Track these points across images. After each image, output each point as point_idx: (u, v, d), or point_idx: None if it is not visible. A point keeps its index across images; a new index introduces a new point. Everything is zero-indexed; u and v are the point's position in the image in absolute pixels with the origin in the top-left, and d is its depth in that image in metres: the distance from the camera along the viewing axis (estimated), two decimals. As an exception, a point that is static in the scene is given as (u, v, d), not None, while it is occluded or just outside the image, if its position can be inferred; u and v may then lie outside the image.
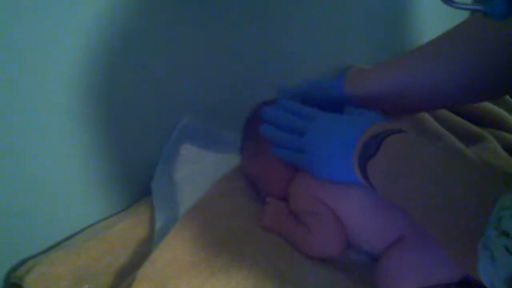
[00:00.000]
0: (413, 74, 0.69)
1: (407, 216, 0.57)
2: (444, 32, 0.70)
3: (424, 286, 0.56)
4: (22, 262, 0.67)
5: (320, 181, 0.64)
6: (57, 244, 0.71)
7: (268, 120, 0.70)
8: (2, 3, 0.55)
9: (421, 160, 0.50)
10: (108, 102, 0.71)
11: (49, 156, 0.67)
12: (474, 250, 0.39)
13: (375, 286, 0.59)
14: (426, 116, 0.94)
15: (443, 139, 0.86)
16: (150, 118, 0.79)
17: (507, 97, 1.06)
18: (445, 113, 0.96)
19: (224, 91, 0.90)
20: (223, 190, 0.74)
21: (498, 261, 0.36)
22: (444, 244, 0.47)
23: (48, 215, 0.70)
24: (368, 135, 0.57)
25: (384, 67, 0.73)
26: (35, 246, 0.70)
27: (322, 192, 0.65)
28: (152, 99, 0.78)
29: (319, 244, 0.63)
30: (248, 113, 0.77)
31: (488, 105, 0.98)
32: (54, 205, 0.70)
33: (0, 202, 0.63)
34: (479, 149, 0.84)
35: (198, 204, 0.70)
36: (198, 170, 0.79)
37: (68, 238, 0.72)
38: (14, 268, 0.67)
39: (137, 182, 0.80)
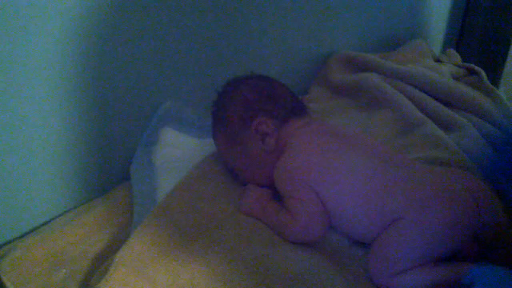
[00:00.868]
0: None
1: (402, 197, 0.58)
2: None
3: (418, 264, 0.57)
4: (-2, 247, 0.66)
5: (308, 164, 0.64)
6: (34, 230, 0.70)
7: None
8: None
9: None
10: (87, 86, 0.70)
11: (25, 141, 0.66)
12: None
13: (369, 267, 0.59)
14: (404, 101, 0.94)
15: (422, 127, 0.86)
16: (129, 101, 0.78)
17: (488, 84, 1.07)
18: (422, 96, 0.96)
19: (206, 74, 0.88)
20: (203, 173, 0.73)
21: None
22: None
23: (24, 200, 0.69)
24: None
25: None
26: (10, 232, 0.68)
27: (310, 176, 0.64)
28: (132, 83, 0.77)
29: (302, 229, 0.63)
30: (221, 88, 0.73)
31: (466, 89, 0.99)
32: (30, 189, 0.69)
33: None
34: (458, 137, 0.85)
35: (177, 188, 0.70)
36: (178, 154, 0.78)
37: (44, 224, 0.71)
38: (-11, 253, 0.66)
39: (116, 166, 0.79)
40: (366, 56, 1.12)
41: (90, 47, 0.68)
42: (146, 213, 0.66)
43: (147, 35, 0.76)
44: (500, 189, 0.67)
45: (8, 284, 0.60)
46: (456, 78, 1.13)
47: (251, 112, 0.69)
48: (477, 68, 1.14)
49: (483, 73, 1.11)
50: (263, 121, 0.69)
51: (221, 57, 0.90)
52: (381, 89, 0.98)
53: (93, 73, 0.70)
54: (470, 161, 0.76)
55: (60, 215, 0.73)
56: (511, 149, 0.77)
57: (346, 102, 1.03)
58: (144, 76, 0.78)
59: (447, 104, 0.97)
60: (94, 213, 0.71)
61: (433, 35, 1.48)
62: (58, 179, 0.72)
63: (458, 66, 1.18)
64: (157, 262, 0.58)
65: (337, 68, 1.11)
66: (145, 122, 0.81)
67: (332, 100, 1.05)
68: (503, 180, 0.68)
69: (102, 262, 0.63)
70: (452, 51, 1.30)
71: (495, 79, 1.45)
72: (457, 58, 1.26)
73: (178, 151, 0.79)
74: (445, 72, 1.10)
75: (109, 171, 0.79)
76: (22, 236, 0.69)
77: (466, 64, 1.18)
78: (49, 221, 0.72)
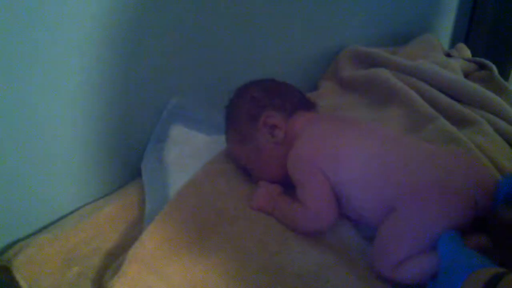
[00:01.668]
0: None
1: (397, 186, 0.59)
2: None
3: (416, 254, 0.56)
4: (11, 245, 0.66)
5: (317, 147, 0.66)
6: (46, 227, 0.70)
7: None
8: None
9: None
10: (97, 84, 0.70)
11: (46, 141, 0.67)
12: None
13: (372, 263, 0.59)
14: (415, 97, 0.93)
15: (435, 123, 0.85)
16: (140, 98, 0.78)
17: (500, 79, 1.05)
18: (434, 92, 0.95)
19: (215, 71, 0.88)
20: (214, 171, 0.73)
21: None
22: None
23: (37, 197, 0.69)
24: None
25: None
26: (23, 229, 0.69)
27: (318, 159, 0.65)
28: (143, 80, 0.77)
29: (314, 215, 0.63)
30: (232, 93, 0.75)
31: (478, 87, 0.98)
32: (43, 187, 0.69)
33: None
34: (471, 133, 0.84)
35: (188, 185, 0.69)
36: (189, 151, 0.78)
37: (57, 221, 0.72)
38: (2, 251, 0.66)
39: (127, 164, 0.79)
40: (376, 52, 1.11)
41: (116, 43, 0.70)
42: (158, 209, 0.65)
43: (163, 32, 0.76)
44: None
45: (21, 281, 0.61)
46: (466, 72, 1.11)
47: (259, 108, 0.71)
48: (488, 63, 1.12)
49: (494, 68, 1.10)
50: (270, 115, 0.71)
51: (229, 55, 0.90)
52: (392, 85, 0.97)
53: (112, 70, 0.71)
54: (484, 157, 0.75)
55: (72, 212, 0.73)
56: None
57: (356, 97, 1.02)
58: (154, 73, 0.78)
59: (458, 101, 0.95)
60: (106, 210, 0.71)
61: (442, 29, 1.46)
62: (70, 177, 0.73)
63: (469, 60, 1.16)
64: (170, 259, 0.58)
65: (347, 63, 1.10)
66: (155, 119, 0.81)
67: (342, 96, 1.04)
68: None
69: (114, 259, 0.63)
70: (462, 45, 1.28)
71: (504, 73, 1.44)
72: (467, 52, 1.25)
73: (189, 148, 0.79)
74: (456, 67, 1.08)
75: (121, 169, 0.79)
76: (34, 233, 0.69)
77: (477, 59, 1.16)
78: (61, 218, 0.72)
